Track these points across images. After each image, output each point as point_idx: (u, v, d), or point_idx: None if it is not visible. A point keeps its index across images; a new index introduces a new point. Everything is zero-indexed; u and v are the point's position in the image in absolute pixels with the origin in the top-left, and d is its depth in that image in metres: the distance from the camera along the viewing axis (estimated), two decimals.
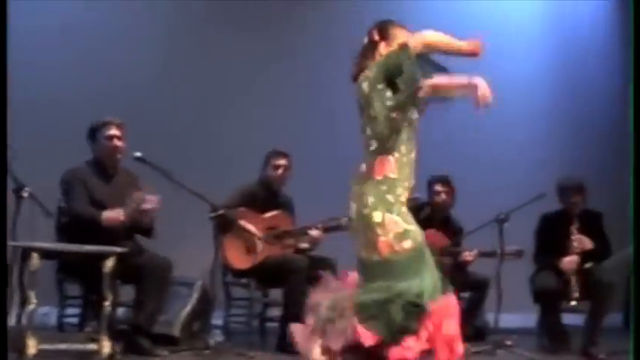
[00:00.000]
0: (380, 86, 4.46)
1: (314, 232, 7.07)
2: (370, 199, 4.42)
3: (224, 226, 6.61)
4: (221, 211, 6.37)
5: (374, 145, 4.50)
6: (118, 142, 6.33)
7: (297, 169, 7.33)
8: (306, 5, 8.79)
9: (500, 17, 9.65)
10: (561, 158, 9.60)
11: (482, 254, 7.60)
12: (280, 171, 7.17)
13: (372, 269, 4.44)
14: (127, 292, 6.39)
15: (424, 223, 7.47)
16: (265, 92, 8.44)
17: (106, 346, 5.48)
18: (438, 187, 7.75)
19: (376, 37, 4.66)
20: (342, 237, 6.99)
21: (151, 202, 6.17)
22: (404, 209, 4.48)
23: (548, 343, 7.48)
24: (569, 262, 7.37)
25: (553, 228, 7.56)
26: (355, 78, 4.62)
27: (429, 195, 7.76)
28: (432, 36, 4.39)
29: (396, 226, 4.41)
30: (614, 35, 10.54)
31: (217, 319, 7.09)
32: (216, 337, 6.62)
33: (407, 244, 4.42)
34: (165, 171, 6.18)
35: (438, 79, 4.42)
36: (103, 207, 6.20)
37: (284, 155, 7.20)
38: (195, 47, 8.19)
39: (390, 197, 4.42)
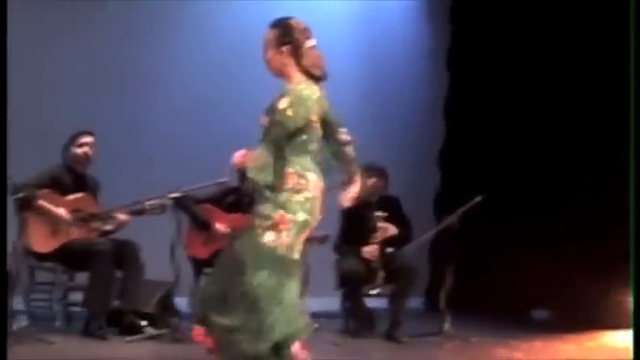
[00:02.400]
0: None
1: (121, 216, 7.01)
2: None
3: (26, 208, 6.47)
4: (22, 194, 6.22)
5: None
6: None
7: (106, 151, 7.23)
8: None
9: (309, 13, 9.70)
10: (363, 142, 9.72)
11: None
12: (85, 149, 7.05)
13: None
14: None
15: (231, 206, 7.60)
16: (77, 73, 8.27)
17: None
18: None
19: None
20: (146, 220, 7.00)
21: None
22: None
23: (353, 327, 7.62)
24: (370, 252, 7.50)
25: (354, 216, 7.60)
26: None
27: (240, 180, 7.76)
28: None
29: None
30: (418, 5, 10.73)
31: (19, 304, 6.93)
32: (20, 323, 6.48)
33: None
34: None
35: None
36: None
37: (88, 133, 7.08)
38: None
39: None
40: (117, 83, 8.50)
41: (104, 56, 8.43)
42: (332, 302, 8.22)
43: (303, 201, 4.72)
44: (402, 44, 10.46)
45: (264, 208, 4.68)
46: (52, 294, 7.08)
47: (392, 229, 7.56)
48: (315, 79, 4.85)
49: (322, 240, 7.55)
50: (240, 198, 7.68)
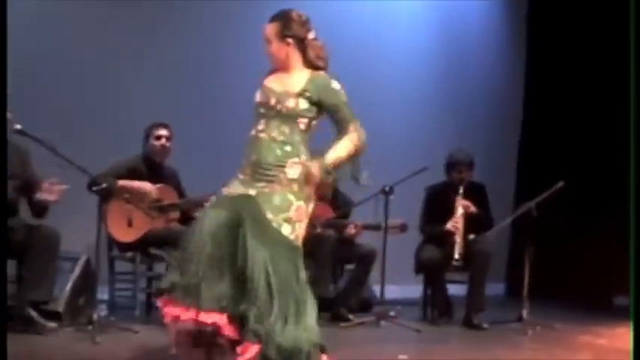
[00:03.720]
0: None
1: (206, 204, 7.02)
2: None
3: (106, 199, 6.53)
4: (104, 185, 6.28)
5: None
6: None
7: (184, 142, 7.28)
8: None
9: (389, 10, 9.72)
10: (444, 131, 9.72)
11: (367, 227, 7.67)
12: (162, 141, 7.10)
13: None
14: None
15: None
16: (152, 66, 8.32)
17: None
18: None
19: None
20: None
21: (52, 193, 6.09)
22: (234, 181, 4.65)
23: (433, 314, 7.62)
24: (453, 223, 7.49)
25: (439, 199, 7.69)
26: None
27: None
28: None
29: None
30: (496, 12, 10.72)
31: (103, 294, 7.02)
32: (101, 312, 6.55)
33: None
34: (47, 143, 6.06)
35: None
36: None
37: (164, 126, 7.13)
38: (81, 18, 8.01)
39: None
40: (194, 74, 8.53)
41: (181, 47, 8.46)
42: (410, 290, 8.22)
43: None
44: (482, 37, 10.46)
45: (285, 199, 4.54)
46: (134, 283, 7.14)
47: (472, 206, 7.56)
48: (320, 69, 4.77)
49: (402, 228, 7.55)
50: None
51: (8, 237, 5.77)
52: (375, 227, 7.51)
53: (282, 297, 4.42)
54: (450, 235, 7.46)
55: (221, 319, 4.37)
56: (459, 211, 7.51)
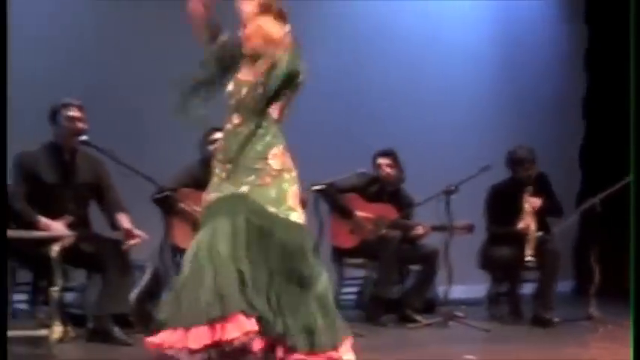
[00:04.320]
0: None
1: None
2: None
3: (170, 207, 6.57)
4: (166, 193, 6.33)
5: None
6: (79, 124, 6.19)
7: None
8: None
9: (447, 12, 9.72)
10: (505, 127, 9.67)
11: (434, 228, 7.63)
12: (216, 145, 7.11)
13: None
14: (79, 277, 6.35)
15: (374, 196, 7.65)
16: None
17: (57, 331, 5.41)
18: (382, 161, 7.70)
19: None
20: None
21: (134, 238, 6.17)
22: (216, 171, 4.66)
23: (501, 313, 7.58)
24: (525, 223, 7.44)
25: (504, 197, 7.65)
26: None
27: (374, 169, 7.77)
28: None
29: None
30: (554, 6, 10.65)
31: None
32: None
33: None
34: (111, 153, 6.13)
35: None
36: (53, 193, 6.12)
37: (219, 130, 7.13)
38: (136, 26, 8.08)
39: None
40: None
41: None
42: (474, 289, 8.19)
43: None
44: (541, 34, 10.44)
45: (281, 190, 4.48)
46: None
47: (538, 201, 7.51)
48: None
49: (470, 229, 7.53)
50: (382, 188, 7.71)
51: (77, 246, 5.80)
52: (443, 228, 7.48)
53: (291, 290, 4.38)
54: (522, 234, 7.41)
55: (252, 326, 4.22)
56: (529, 209, 7.45)
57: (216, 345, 4.17)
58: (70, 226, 5.97)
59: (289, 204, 4.46)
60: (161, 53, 8.10)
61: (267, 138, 4.52)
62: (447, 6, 9.68)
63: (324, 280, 4.48)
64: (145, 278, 6.87)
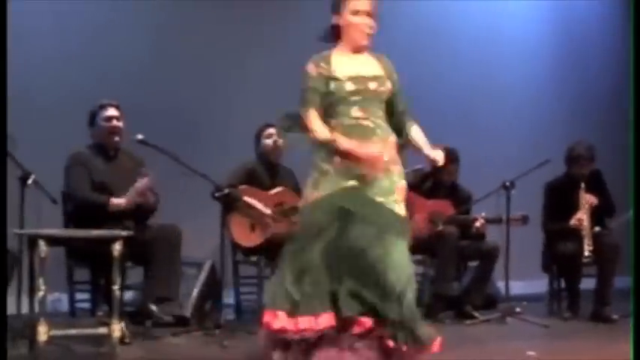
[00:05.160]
0: None
1: None
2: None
3: (230, 205, 6.61)
4: (226, 191, 6.36)
5: None
6: (116, 123, 6.33)
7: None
8: None
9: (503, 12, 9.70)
10: (563, 122, 9.62)
11: (488, 221, 7.60)
12: (272, 139, 7.14)
13: None
14: (137, 275, 6.41)
15: (430, 192, 7.62)
16: (267, 68, 8.39)
17: (117, 330, 5.46)
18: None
19: None
20: None
21: (142, 182, 6.23)
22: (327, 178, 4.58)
23: (561, 309, 7.52)
24: (577, 219, 7.38)
25: (560, 194, 7.59)
26: None
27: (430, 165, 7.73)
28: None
29: (312, 179, 4.63)
30: (614, 9, 10.58)
31: (228, 298, 7.11)
32: (228, 316, 6.63)
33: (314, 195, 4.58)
34: (168, 152, 6.18)
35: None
36: (106, 189, 6.25)
37: (272, 125, 7.16)
38: (191, 25, 8.12)
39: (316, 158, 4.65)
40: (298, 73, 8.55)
41: (288, 47, 8.50)
42: (535, 285, 8.14)
43: None
44: (600, 32, 10.53)
45: (392, 181, 4.62)
46: (259, 287, 7.19)
47: (594, 198, 7.45)
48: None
49: (524, 220, 7.47)
50: (437, 183, 7.68)
51: (132, 241, 5.82)
52: (497, 220, 7.44)
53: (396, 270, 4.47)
54: (576, 231, 7.34)
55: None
56: (584, 206, 7.39)
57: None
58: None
59: (396, 197, 4.59)
60: (213, 48, 8.15)
61: (380, 131, 4.62)
62: (508, 5, 9.66)
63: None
64: (202, 275, 6.94)
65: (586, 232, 7.32)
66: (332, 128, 4.59)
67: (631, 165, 5.99)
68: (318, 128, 4.59)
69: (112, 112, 6.34)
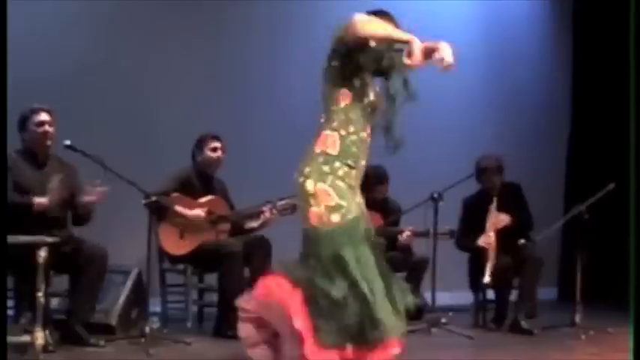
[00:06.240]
0: (334, 63, 4.50)
1: (267, 214, 7.04)
2: (307, 169, 4.42)
3: (158, 212, 6.58)
4: (154, 198, 6.33)
5: (322, 120, 4.54)
6: (48, 128, 6.23)
7: (230, 153, 7.29)
8: None
9: (438, 13, 9.70)
10: (492, 136, 9.68)
11: (417, 234, 7.66)
12: (217, 153, 7.11)
13: (304, 239, 4.46)
14: (62, 282, 6.35)
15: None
16: (197, 77, 8.37)
17: (40, 338, 5.40)
18: None
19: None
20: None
21: (92, 195, 6.16)
22: (341, 184, 4.40)
23: (491, 320, 7.58)
24: (484, 239, 7.38)
25: (474, 210, 7.61)
26: None
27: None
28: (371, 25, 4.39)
29: (328, 198, 4.37)
30: (542, 11, 10.66)
31: (155, 306, 7.07)
32: (153, 325, 6.59)
33: (335, 217, 4.36)
34: (96, 158, 6.13)
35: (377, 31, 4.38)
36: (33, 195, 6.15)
37: (218, 138, 7.14)
38: (125, 32, 8.09)
39: (325, 168, 4.41)
40: (242, 83, 8.55)
41: (229, 55, 8.50)
42: (461, 296, 8.20)
43: None
44: (528, 37, 10.53)
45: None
46: (186, 295, 7.17)
47: (503, 219, 7.40)
48: None
49: (452, 234, 7.54)
50: (368, 199, 7.70)
51: (57, 250, 5.79)
52: (424, 234, 7.50)
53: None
54: (483, 251, 7.33)
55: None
56: (491, 227, 7.36)
57: None
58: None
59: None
60: (149, 54, 8.11)
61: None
62: (435, 5, 9.64)
63: None
64: (128, 283, 6.89)
65: (492, 253, 7.26)
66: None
67: (632, 165, 6.06)
68: (392, 29, 4.50)
69: (44, 116, 6.24)
